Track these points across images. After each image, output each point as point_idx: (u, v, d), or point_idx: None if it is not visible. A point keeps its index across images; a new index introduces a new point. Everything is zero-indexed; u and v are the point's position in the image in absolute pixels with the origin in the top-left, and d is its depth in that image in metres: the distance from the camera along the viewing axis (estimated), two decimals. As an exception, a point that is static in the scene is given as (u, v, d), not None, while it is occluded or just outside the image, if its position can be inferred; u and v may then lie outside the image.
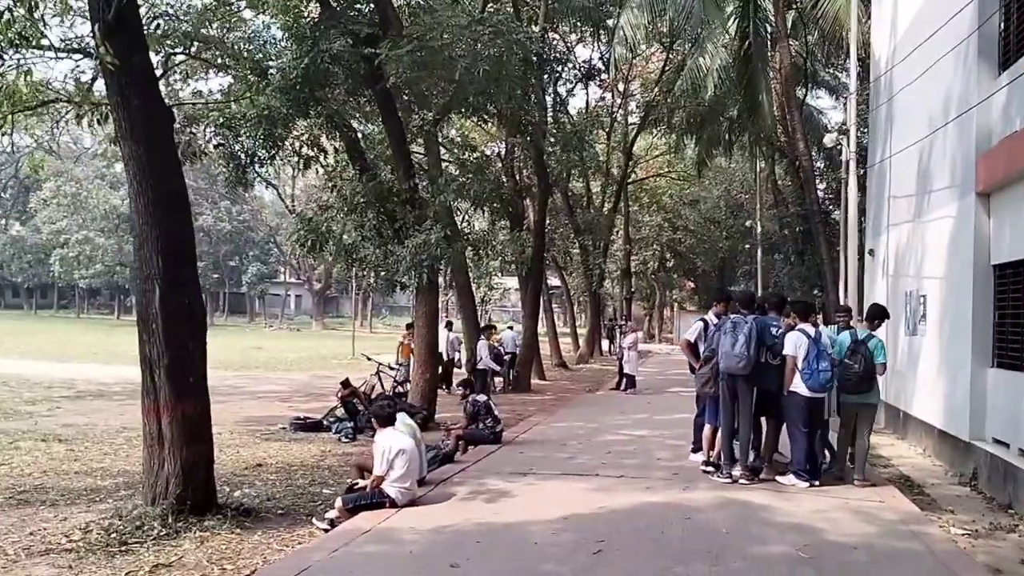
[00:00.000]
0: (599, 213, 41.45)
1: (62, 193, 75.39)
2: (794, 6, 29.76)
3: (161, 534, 8.57)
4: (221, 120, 17.46)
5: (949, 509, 10.66)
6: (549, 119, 27.94)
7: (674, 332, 64.32)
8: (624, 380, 25.88)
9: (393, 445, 9.63)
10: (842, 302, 21.50)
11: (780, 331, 11.51)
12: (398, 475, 9.58)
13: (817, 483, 11.09)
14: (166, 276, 9.16)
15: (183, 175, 9.98)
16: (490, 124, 32.94)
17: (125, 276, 78.77)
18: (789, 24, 28.70)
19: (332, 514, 9.43)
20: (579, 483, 11.16)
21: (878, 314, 12.21)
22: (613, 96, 41.20)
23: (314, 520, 9.53)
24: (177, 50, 15.83)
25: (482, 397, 14.64)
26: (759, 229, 44.36)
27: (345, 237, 18.49)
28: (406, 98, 18.98)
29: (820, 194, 28.61)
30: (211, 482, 9.76)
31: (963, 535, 9.25)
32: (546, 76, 27.52)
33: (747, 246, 52.85)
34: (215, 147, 18.02)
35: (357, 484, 10.10)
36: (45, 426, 16.75)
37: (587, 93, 41.24)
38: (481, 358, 22.51)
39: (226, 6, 17.53)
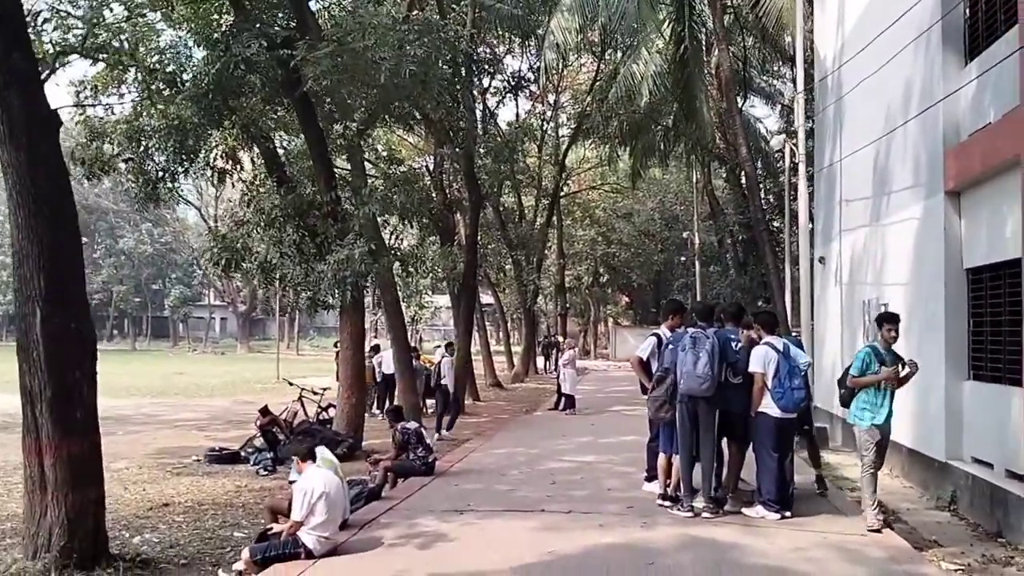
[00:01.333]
0: (532, 227, 40.55)
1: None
2: (730, 9, 29.05)
3: (42, 593, 7.32)
4: (129, 133, 16.22)
5: (933, 540, 9.76)
6: (479, 129, 26.99)
7: (610, 348, 63.63)
8: (563, 400, 24.83)
9: (316, 487, 8.46)
10: (789, 312, 20.73)
11: (740, 345, 10.49)
12: (318, 521, 8.40)
13: (788, 514, 10.09)
14: (49, 297, 8.01)
15: (70, 186, 8.76)
16: (417, 134, 32.22)
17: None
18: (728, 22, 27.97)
19: (239, 566, 8.25)
20: (523, 521, 9.96)
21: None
22: (544, 106, 40.41)
23: (220, 572, 8.40)
24: (67, 49, 14.37)
25: (412, 424, 13.32)
26: (697, 241, 43.81)
27: (262, 253, 17.27)
28: (328, 107, 17.86)
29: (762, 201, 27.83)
30: (102, 530, 8.52)
31: (957, 571, 8.31)
32: (475, 79, 26.50)
33: (683, 259, 52.61)
34: (124, 162, 16.77)
35: (271, 529, 8.87)
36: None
37: (517, 104, 40.35)
38: (443, 376, 21.36)
39: (139, 16, 16.28)
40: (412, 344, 29.46)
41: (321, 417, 19.07)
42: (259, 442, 16.30)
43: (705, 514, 10.08)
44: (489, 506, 10.78)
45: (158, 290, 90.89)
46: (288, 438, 16.25)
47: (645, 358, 11.58)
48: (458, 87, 19.30)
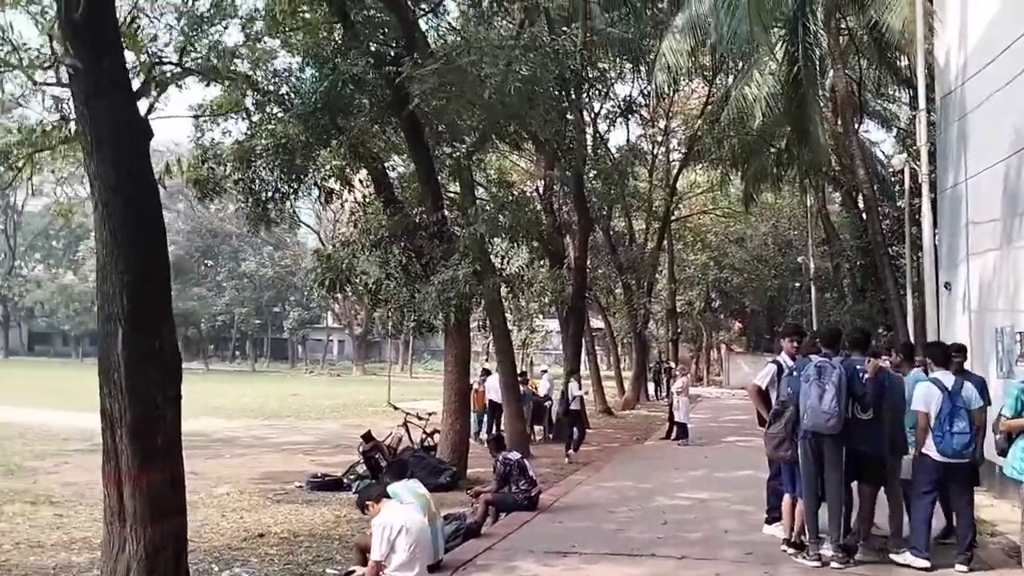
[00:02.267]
0: (642, 251, 39.80)
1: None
2: (845, 31, 28.02)
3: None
4: (239, 154, 16.14)
5: None
6: (589, 149, 26.48)
7: (723, 374, 62.29)
8: (675, 429, 24.04)
9: (394, 522, 7.85)
10: (912, 340, 19.59)
11: (867, 376, 9.51)
12: (401, 561, 7.80)
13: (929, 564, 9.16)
14: (132, 317, 7.55)
15: (159, 200, 8.31)
16: (528, 157, 31.90)
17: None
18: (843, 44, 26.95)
19: (324, 609, 7.77)
20: (631, 567, 9.22)
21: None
22: (654, 130, 39.69)
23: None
24: (165, 59, 14.11)
25: (515, 455, 12.65)
26: (812, 266, 42.50)
27: (367, 275, 17.01)
28: (436, 128, 17.61)
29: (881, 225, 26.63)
30: (183, 565, 7.98)
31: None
32: (585, 98, 25.88)
33: (797, 284, 51.21)
34: (235, 183, 16.70)
35: (353, 573, 8.39)
36: (44, 485, 15.35)
37: (627, 129, 39.58)
38: (574, 397, 21.33)
39: (254, 41, 16.21)
40: (521, 369, 29.10)
41: (425, 443, 18.59)
42: (362, 468, 15.99)
43: (834, 564, 9.13)
44: (594, 548, 10.08)
45: (278, 312, 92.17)
46: (390, 465, 15.93)
47: (764, 387, 10.71)
48: (566, 104, 18.72)
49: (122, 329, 7.53)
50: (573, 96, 20.86)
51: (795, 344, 10.60)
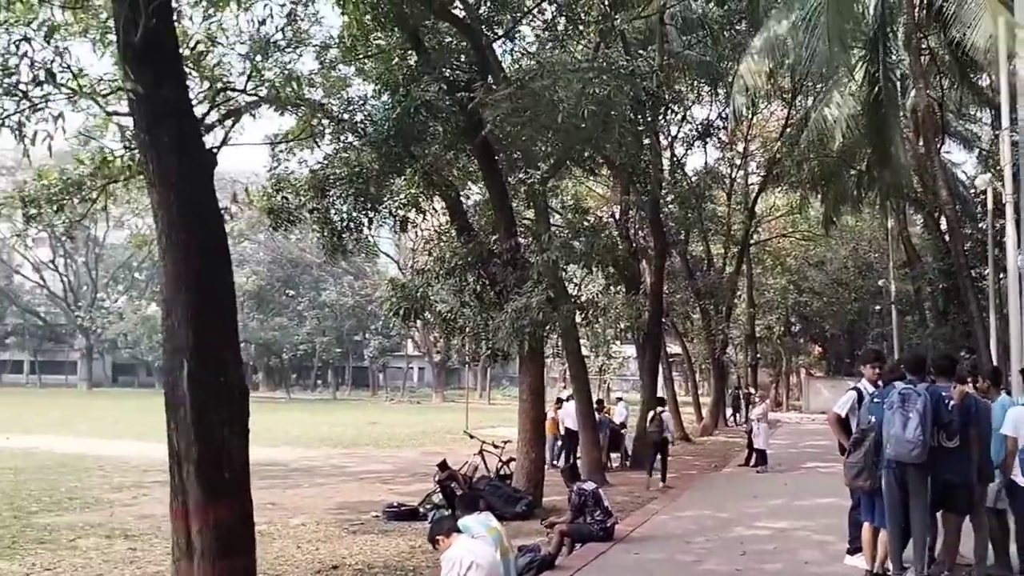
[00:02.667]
0: (720, 276, 39.35)
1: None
2: (926, 50, 27.47)
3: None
4: (313, 182, 16.22)
5: None
6: (665, 173, 26.26)
7: (802, 399, 61.24)
8: (754, 456, 23.60)
9: (463, 558, 7.54)
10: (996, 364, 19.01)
11: (953, 403, 9.07)
12: None
13: None
14: (197, 350, 7.44)
15: (223, 231, 8.20)
16: (603, 183, 31.74)
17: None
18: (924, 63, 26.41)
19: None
20: None
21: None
22: (733, 152, 39.32)
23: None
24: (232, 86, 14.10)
25: (589, 485, 12.40)
26: (893, 288, 41.68)
27: (442, 304, 16.96)
28: (511, 154, 17.57)
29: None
30: (252, 602, 7.84)
31: None
32: (662, 120, 25.65)
33: (878, 308, 50.35)
34: (310, 212, 16.78)
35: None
36: (120, 517, 15.39)
37: (705, 152, 39.28)
38: (665, 429, 21.05)
39: (328, 68, 16.32)
40: (598, 396, 28.85)
41: (501, 472, 18.42)
42: (438, 498, 15.84)
43: None
44: None
45: (359, 341, 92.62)
46: (463, 497, 15.79)
47: (844, 415, 10.34)
48: (641, 127, 18.52)
49: (187, 363, 7.42)
50: (649, 119, 20.57)
51: (876, 370, 10.25)
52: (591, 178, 31.73)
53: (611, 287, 27.85)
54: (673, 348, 47.22)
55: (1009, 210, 19.07)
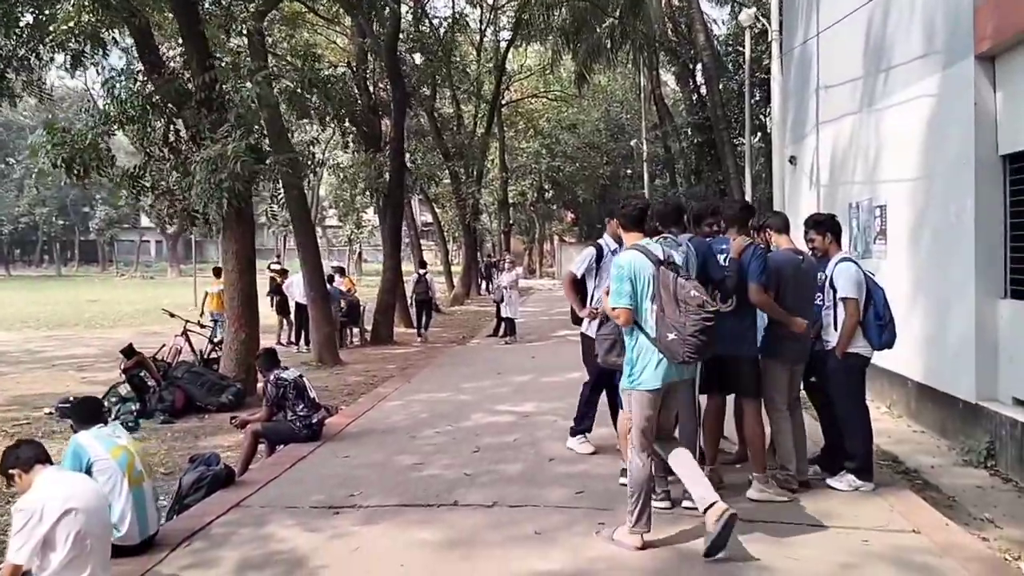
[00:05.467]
0: (471, 137, 37.15)
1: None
2: None
3: None
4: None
5: (986, 518, 7.17)
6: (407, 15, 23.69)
7: (556, 266, 60.94)
8: (503, 325, 21.92)
9: (46, 505, 4.97)
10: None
11: (729, 257, 7.20)
12: (61, 560, 4.95)
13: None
14: None
15: None
16: (341, 31, 29.07)
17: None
18: None
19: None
20: (423, 530, 6.57)
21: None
22: (481, 2, 36.94)
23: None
24: None
25: (290, 373, 9.67)
26: (645, 149, 40.92)
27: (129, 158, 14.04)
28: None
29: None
30: None
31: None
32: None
33: (629, 171, 50.07)
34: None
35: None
36: None
37: (453, 4, 36.35)
38: (430, 287, 23.54)
39: None
40: (341, 265, 27.12)
41: (209, 356, 15.82)
42: (125, 389, 13.37)
43: (686, 503, 6.72)
44: (381, 497, 7.45)
45: (87, 213, 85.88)
46: (159, 384, 13.34)
47: (580, 275, 8.47)
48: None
49: None
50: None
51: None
52: (328, 25, 28.83)
53: (350, 145, 25.37)
54: (426, 218, 45.39)
55: (775, 48, 17.61)
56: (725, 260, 7.18)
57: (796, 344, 7.37)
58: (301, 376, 9.67)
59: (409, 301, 25.10)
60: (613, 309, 6.11)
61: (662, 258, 6.06)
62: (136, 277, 76.13)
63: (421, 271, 24.75)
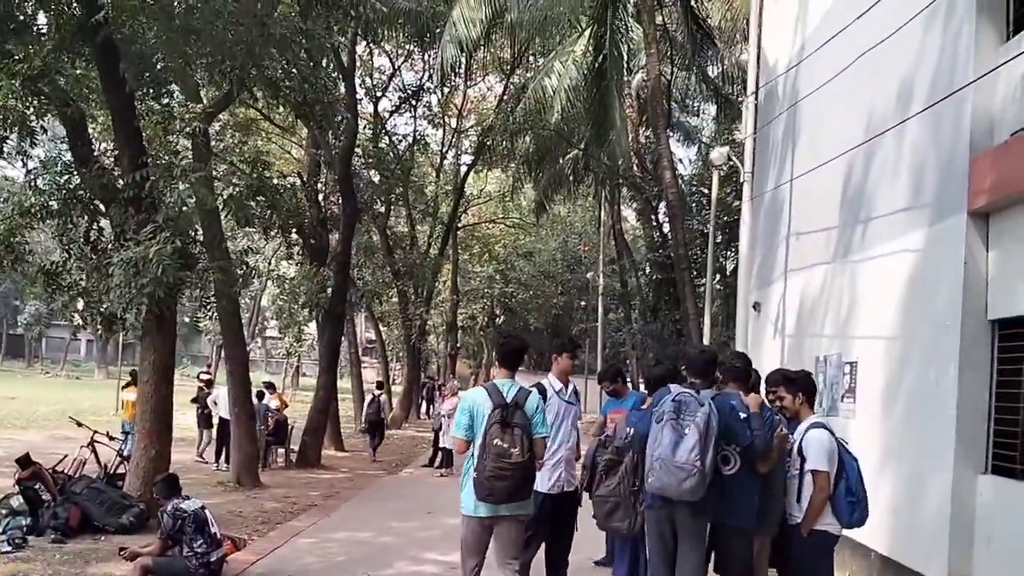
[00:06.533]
0: (424, 257, 36.41)
1: None
2: (661, 24, 25.44)
3: None
4: None
5: None
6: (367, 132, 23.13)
7: (502, 394, 59.96)
8: (439, 455, 20.70)
9: None
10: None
11: (751, 414, 6.51)
12: None
13: None
14: None
15: None
16: (296, 141, 28.61)
17: None
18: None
19: None
20: None
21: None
22: (443, 122, 36.77)
23: None
24: None
25: (191, 504, 8.59)
26: (601, 283, 40.54)
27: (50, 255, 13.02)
28: (156, 70, 13.75)
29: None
30: None
31: None
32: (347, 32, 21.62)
33: (583, 303, 49.80)
34: None
35: None
36: None
37: (415, 121, 35.79)
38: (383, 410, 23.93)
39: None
40: (272, 381, 26.20)
41: (116, 471, 14.51)
42: (17, 502, 12.00)
43: None
44: None
45: (17, 306, 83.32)
46: (55, 499, 12.07)
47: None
48: (322, 39, 14.50)
49: None
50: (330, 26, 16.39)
51: (572, 360, 7.99)
52: (283, 134, 28.27)
53: (294, 256, 24.54)
54: (370, 335, 44.51)
55: (747, 191, 16.99)
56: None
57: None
58: (203, 508, 8.54)
59: (362, 422, 25.62)
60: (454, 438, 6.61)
61: (506, 401, 6.55)
62: (61, 376, 73.84)
63: (376, 392, 25.13)
